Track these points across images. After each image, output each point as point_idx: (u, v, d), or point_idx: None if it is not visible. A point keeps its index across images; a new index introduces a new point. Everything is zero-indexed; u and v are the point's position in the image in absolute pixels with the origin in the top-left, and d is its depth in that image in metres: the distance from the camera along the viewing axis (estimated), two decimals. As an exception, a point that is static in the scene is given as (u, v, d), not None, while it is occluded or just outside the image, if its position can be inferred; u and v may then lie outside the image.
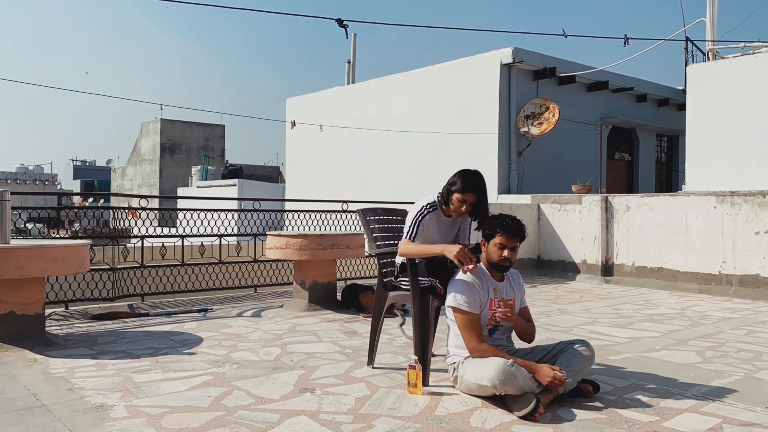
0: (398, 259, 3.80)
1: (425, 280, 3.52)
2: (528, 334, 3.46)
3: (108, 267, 6.30)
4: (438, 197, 3.66)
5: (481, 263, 3.42)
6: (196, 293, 6.94)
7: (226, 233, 7.20)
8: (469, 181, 3.51)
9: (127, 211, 6.87)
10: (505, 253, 3.32)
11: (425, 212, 3.60)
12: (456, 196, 3.51)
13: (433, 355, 3.68)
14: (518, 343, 3.55)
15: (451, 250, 3.30)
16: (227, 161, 36.31)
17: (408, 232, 3.58)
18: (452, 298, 3.32)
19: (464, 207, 3.53)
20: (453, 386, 3.37)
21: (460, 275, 3.37)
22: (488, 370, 3.03)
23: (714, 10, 11.83)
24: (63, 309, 5.85)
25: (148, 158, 34.34)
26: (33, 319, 4.43)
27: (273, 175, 38.43)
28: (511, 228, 3.32)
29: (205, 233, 7.11)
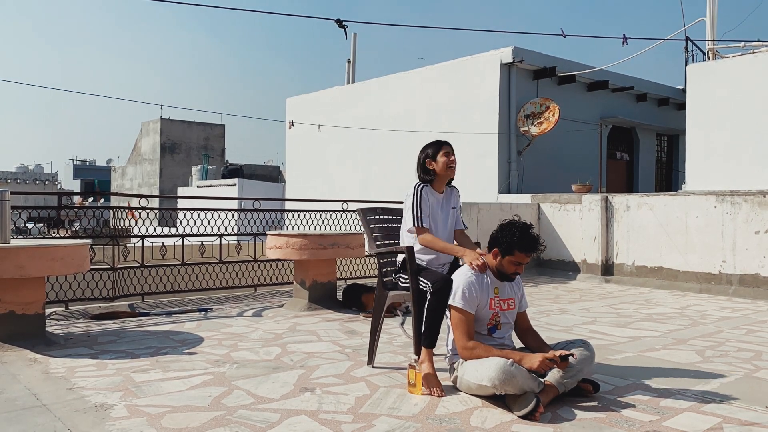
0: (399, 257, 3.80)
1: (425, 283, 3.51)
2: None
3: (108, 267, 6.30)
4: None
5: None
6: (196, 293, 6.94)
7: (226, 233, 7.20)
8: (438, 141, 3.83)
9: (126, 211, 6.87)
10: (519, 268, 3.34)
11: (420, 190, 3.71)
12: (441, 152, 3.74)
13: (434, 355, 3.67)
14: (518, 344, 3.55)
15: (467, 259, 3.41)
16: (227, 161, 36.31)
17: (415, 219, 3.64)
18: (450, 295, 3.33)
19: (451, 156, 3.76)
20: (453, 386, 3.37)
21: (460, 272, 3.38)
22: (488, 370, 3.03)
23: (714, 9, 11.83)
24: (63, 309, 5.85)
25: (148, 158, 34.34)
26: (33, 318, 4.43)
27: (273, 174, 38.43)
28: (532, 248, 3.27)
29: (205, 233, 7.11)
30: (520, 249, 3.25)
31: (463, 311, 3.28)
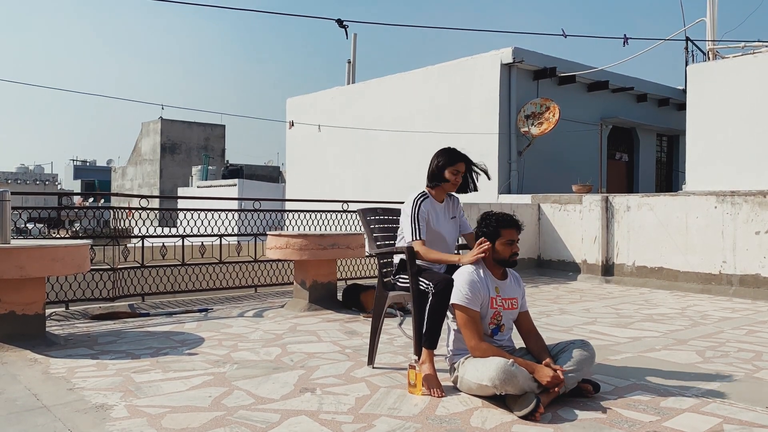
0: (396, 258, 3.80)
1: (425, 283, 3.51)
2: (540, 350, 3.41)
3: (108, 267, 6.30)
4: (425, 189, 3.83)
5: (483, 262, 3.43)
6: (196, 293, 6.94)
7: (226, 233, 7.20)
8: (453, 153, 3.79)
9: (126, 211, 6.87)
10: (514, 247, 3.39)
11: (419, 202, 3.73)
12: (449, 169, 3.74)
13: (434, 355, 3.67)
14: (518, 343, 3.55)
15: (467, 260, 3.44)
16: (227, 161, 36.34)
17: (414, 233, 3.64)
18: (453, 295, 3.33)
19: (458, 177, 3.77)
20: (453, 386, 3.37)
21: (460, 271, 3.39)
22: (489, 370, 3.03)
23: (714, 10, 11.83)
24: (63, 309, 5.85)
25: (148, 158, 34.35)
26: (33, 319, 4.43)
27: (273, 175, 38.43)
28: (513, 222, 3.40)
29: (205, 233, 7.10)
30: (504, 226, 3.37)
31: (467, 309, 3.28)
